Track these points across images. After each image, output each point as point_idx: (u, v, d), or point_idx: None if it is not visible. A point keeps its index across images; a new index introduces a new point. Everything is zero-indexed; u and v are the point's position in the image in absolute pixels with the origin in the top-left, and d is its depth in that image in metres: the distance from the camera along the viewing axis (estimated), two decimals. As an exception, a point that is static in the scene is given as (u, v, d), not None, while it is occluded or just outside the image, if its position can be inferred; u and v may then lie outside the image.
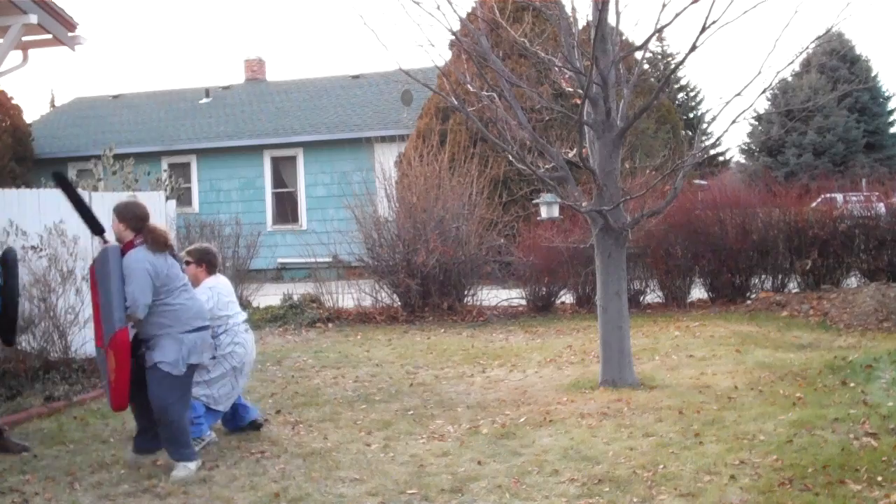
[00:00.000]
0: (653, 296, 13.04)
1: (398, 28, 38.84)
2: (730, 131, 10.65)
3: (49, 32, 9.58)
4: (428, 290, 12.58)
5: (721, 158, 37.69)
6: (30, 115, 28.82)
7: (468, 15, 8.02)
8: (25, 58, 10.05)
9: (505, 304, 13.12)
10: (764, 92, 7.31)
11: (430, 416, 6.94)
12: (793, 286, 12.83)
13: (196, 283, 6.32)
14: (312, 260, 13.87)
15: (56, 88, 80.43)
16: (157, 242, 5.65)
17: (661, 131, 18.57)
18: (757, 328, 10.33)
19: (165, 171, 20.27)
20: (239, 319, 6.55)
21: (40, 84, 72.87)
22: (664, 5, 7.06)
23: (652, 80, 18.34)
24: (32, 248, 8.40)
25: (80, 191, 6.23)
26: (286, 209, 22.07)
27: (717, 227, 12.60)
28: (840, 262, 12.60)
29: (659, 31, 7.22)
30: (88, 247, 8.84)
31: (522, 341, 10.48)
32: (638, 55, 8.45)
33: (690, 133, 26.32)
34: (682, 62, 8.18)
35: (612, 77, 7.48)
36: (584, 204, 7.63)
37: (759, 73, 7.15)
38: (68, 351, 8.54)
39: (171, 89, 27.74)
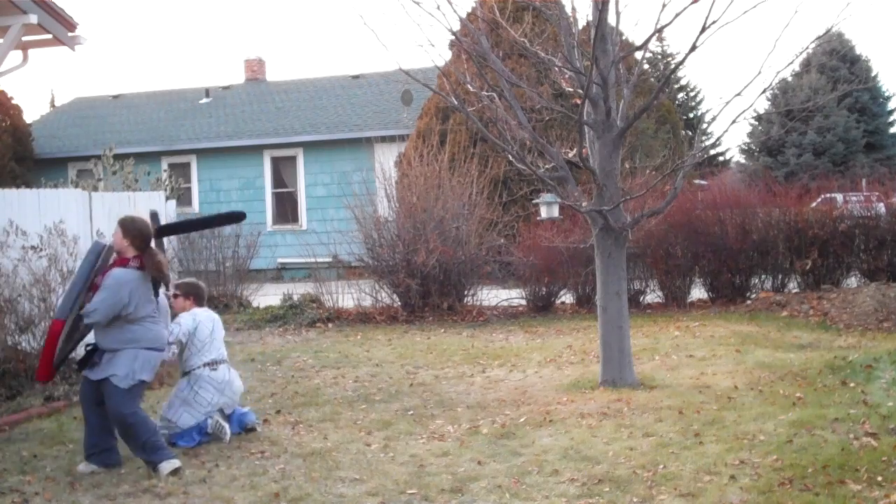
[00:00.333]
0: (653, 296, 13.04)
1: (398, 28, 38.89)
2: (730, 131, 10.66)
3: (49, 32, 9.58)
4: (428, 290, 12.58)
5: (721, 158, 37.69)
6: (30, 115, 28.86)
7: (468, 15, 8.02)
8: (25, 58, 10.05)
9: (505, 304, 13.12)
10: (764, 92, 7.31)
11: (430, 416, 6.94)
12: (793, 286, 12.83)
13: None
14: (312, 260, 13.86)
15: (56, 88, 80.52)
16: (156, 270, 5.71)
17: (661, 131, 18.57)
18: (757, 328, 10.33)
19: (165, 171, 20.27)
20: (208, 358, 6.52)
21: (40, 84, 72.93)
22: (664, 5, 7.07)
23: (652, 80, 18.33)
24: (32, 248, 8.40)
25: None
26: (286, 209, 22.07)
27: (717, 227, 12.60)
28: (840, 262, 12.60)
29: (659, 31, 7.22)
30: (89, 246, 8.84)
31: (522, 341, 10.48)
32: (638, 55, 8.45)
33: (690, 133, 26.33)
34: (682, 62, 8.18)
35: (612, 77, 7.48)
36: (584, 204, 7.63)
37: (759, 73, 7.16)
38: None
39: (171, 89, 27.74)
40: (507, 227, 14.18)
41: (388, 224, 13.00)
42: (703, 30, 6.92)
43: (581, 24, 8.81)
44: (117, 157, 16.11)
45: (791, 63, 7.69)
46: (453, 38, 7.88)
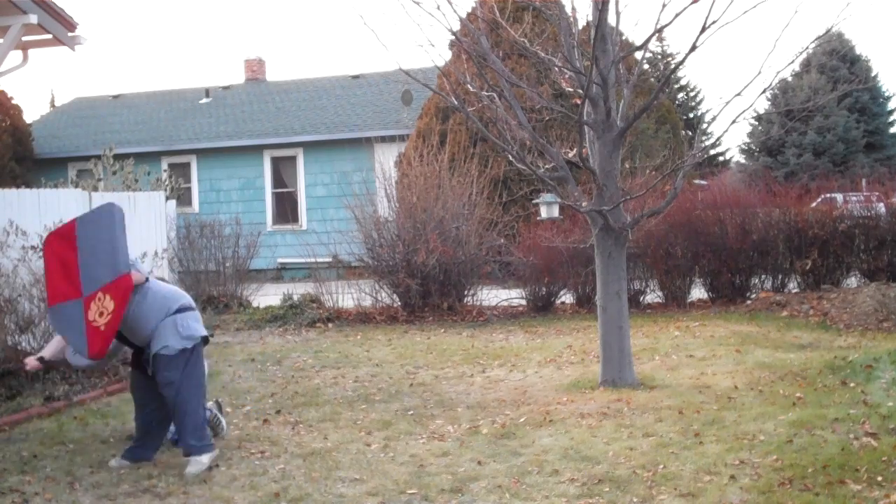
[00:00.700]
0: (653, 296, 13.04)
1: (398, 28, 38.87)
2: (730, 131, 10.66)
3: (49, 32, 9.58)
4: (428, 290, 12.58)
5: (721, 158, 37.71)
6: (30, 115, 28.87)
7: (468, 15, 8.02)
8: (25, 58, 10.05)
9: (505, 304, 13.12)
10: (764, 92, 7.30)
11: (430, 416, 6.94)
12: (793, 286, 12.83)
13: None
14: (312, 260, 13.86)
15: (56, 88, 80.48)
16: None
17: (661, 131, 18.57)
18: (757, 328, 10.33)
19: (165, 171, 20.30)
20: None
21: (40, 84, 72.93)
22: (664, 5, 7.07)
23: (652, 80, 18.31)
24: (32, 248, 8.41)
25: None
26: (286, 209, 22.06)
27: (717, 227, 12.59)
28: (840, 262, 12.60)
29: (659, 31, 7.22)
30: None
31: (522, 341, 10.48)
32: (638, 55, 8.45)
33: (690, 133, 26.34)
34: (682, 62, 8.17)
35: (612, 77, 7.48)
36: (584, 204, 7.63)
37: (759, 73, 7.15)
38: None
39: (171, 89, 27.74)
40: (507, 227, 14.18)
41: (388, 224, 13.00)
42: (703, 30, 6.92)
43: (581, 24, 8.81)
44: (117, 157, 16.14)
45: (791, 63, 7.69)
46: (453, 38, 7.88)
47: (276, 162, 22.47)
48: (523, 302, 13.07)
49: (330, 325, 12.36)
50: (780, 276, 12.78)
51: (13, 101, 23.49)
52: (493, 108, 8.01)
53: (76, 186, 13.71)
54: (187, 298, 5.96)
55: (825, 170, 29.70)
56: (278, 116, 23.57)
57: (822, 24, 20.54)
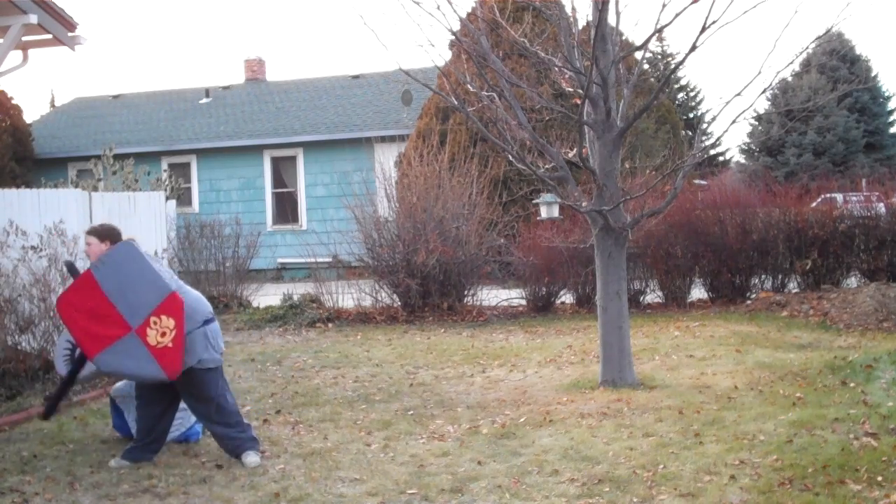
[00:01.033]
0: (653, 296, 13.04)
1: (398, 28, 38.88)
2: (730, 131, 10.66)
3: (49, 32, 9.58)
4: (428, 290, 12.58)
5: (721, 158, 37.70)
6: (30, 115, 28.84)
7: (468, 15, 8.01)
8: (25, 58, 10.06)
9: (505, 304, 13.12)
10: (764, 92, 7.31)
11: (430, 416, 6.94)
12: (793, 286, 12.83)
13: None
14: (312, 260, 13.86)
15: (56, 88, 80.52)
16: None
17: (661, 131, 18.57)
18: (757, 328, 10.33)
19: (165, 171, 20.31)
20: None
21: (40, 84, 72.92)
22: (664, 5, 7.07)
23: (652, 80, 18.33)
24: (32, 248, 8.41)
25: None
26: (286, 209, 22.06)
27: (717, 227, 12.60)
28: (840, 262, 12.60)
29: (659, 31, 7.22)
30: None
31: (522, 341, 10.48)
32: (638, 55, 8.47)
33: (690, 133, 26.33)
34: (682, 62, 8.18)
35: (612, 77, 7.48)
36: (584, 204, 7.63)
37: (759, 73, 7.16)
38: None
39: (171, 89, 27.73)
40: (507, 227, 14.18)
41: (388, 224, 13.00)
42: (703, 30, 6.92)
43: (581, 24, 8.80)
44: (117, 157, 16.14)
45: (791, 63, 7.69)
46: (453, 38, 7.88)
47: (276, 162, 22.47)
48: (523, 302, 13.07)
49: (330, 325, 12.36)
50: (780, 276, 12.78)
51: (13, 101, 23.48)
52: (493, 108, 8.01)
53: (76, 186, 13.71)
54: (209, 307, 6.00)
55: (825, 170, 29.69)
56: (278, 116, 23.56)
57: (822, 24, 20.54)
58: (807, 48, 8.01)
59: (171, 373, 5.52)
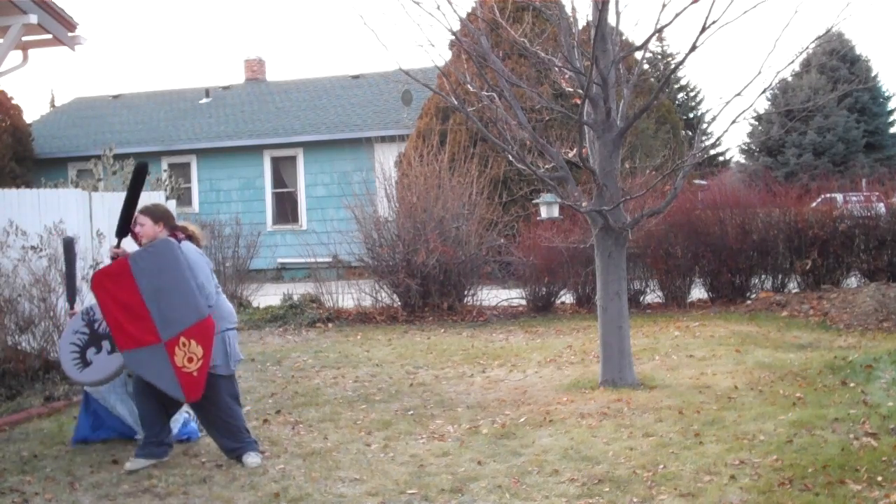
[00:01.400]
0: (653, 296, 13.04)
1: (398, 28, 38.89)
2: (730, 131, 10.66)
3: (49, 32, 9.58)
4: (428, 290, 12.58)
5: (721, 158, 37.69)
6: (30, 115, 28.87)
7: (468, 15, 8.02)
8: (25, 58, 10.06)
9: (505, 304, 13.12)
10: (764, 92, 7.31)
11: (430, 416, 6.94)
12: (793, 286, 12.83)
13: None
14: (312, 260, 13.87)
15: (56, 88, 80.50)
16: (198, 242, 5.80)
17: (661, 131, 18.57)
18: (757, 328, 10.33)
19: (165, 171, 20.30)
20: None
21: (40, 84, 72.91)
22: (664, 5, 7.07)
23: (652, 80, 18.31)
24: (32, 248, 8.40)
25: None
26: (286, 209, 22.07)
27: (717, 227, 12.59)
28: (840, 262, 12.60)
29: (659, 31, 7.22)
30: (88, 246, 8.84)
31: (522, 341, 10.48)
32: (638, 55, 8.46)
33: (690, 133, 26.32)
34: (682, 62, 8.18)
35: (612, 77, 7.48)
36: (584, 204, 7.63)
37: (759, 73, 7.16)
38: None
39: (171, 89, 27.74)
40: (507, 227, 14.18)
41: (388, 224, 13.01)
42: (703, 30, 6.92)
43: (581, 24, 8.81)
44: (117, 157, 16.11)
45: (791, 63, 7.69)
46: (453, 38, 7.88)
47: (276, 162, 22.47)
48: (523, 302, 13.07)
49: (330, 325, 12.36)
50: (780, 276, 12.78)
51: (13, 101, 23.49)
52: (493, 108, 8.01)
53: (76, 186, 13.69)
54: (235, 316, 5.97)
55: (825, 170, 29.64)
56: (278, 116, 23.57)
57: (822, 24, 20.55)
58: (807, 48, 8.01)
59: (192, 398, 5.56)
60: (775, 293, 12.39)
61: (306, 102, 24.31)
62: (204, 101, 25.81)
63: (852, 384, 7.14)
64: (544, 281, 12.79)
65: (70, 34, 9.84)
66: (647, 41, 7.59)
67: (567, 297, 13.28)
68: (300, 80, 26.58)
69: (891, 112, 36.66)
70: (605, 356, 7.69)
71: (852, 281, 12.68)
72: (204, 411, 5.83)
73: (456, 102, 7.89)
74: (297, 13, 71.26)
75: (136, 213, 5.80)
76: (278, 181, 22.42)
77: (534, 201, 15.66)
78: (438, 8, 7.30)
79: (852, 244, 12.60)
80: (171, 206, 14.44)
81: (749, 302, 12.26)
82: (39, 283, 8.30)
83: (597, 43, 7.13)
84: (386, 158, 14.39)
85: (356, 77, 25.72)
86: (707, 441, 5.77)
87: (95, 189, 13.36)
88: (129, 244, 5.91)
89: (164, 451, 5.80)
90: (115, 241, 5.95)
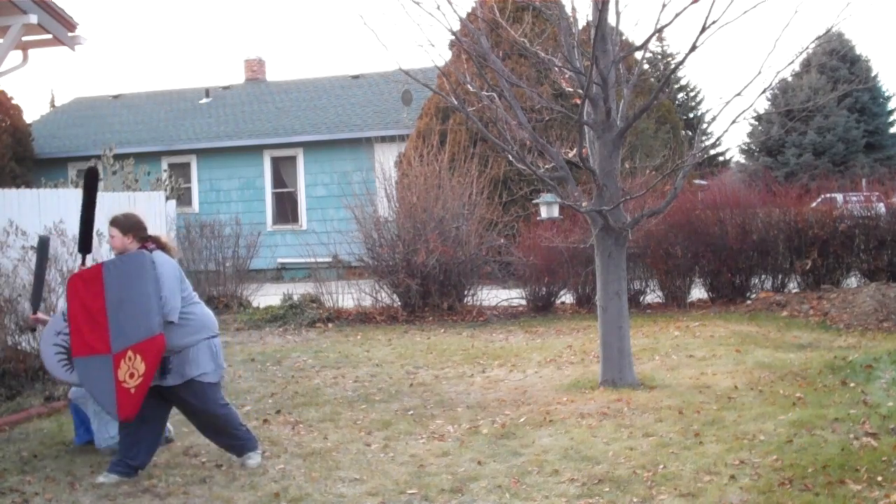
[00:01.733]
0: (653, 296, 13.04)
1: (398, 28, 38.86)
2: (730, 131, 10.65)
3: (49, 32, 9.58)
4: (428, 290, 12.58)
5: (721, 158, 37.70)
6: (30, 115, 28.86)
7: (468, 15, 8.01)
8: (25, 58, 10.06)
9: (505, 304, 13.12)
10: (764, 92, 7.31)
11: (430, 416, 6.94)
12: (793, 286, 12.83)
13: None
14: (312, 260, 13.87)
15: (56, 88, 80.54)
16: (170, 252, 5.65)
17: (661, 131, 18.57)
18: (757, 328, 10.33)
19: (165, 171, 20.31)
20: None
21: (40, 84, 72.93)
22: (664, 5, 7.07)
23: (652, 80, 18.33)
24: (32, 248, 8.39)
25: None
26: (286, 209, 22.07)
27: (717, 227, 12.59)
28: (840, 262, 12.60)
29: (659, 31, 7.22)
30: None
31: (522, 341, 10.48)
32: (638, 55, 8.46)
33: (690, 133, 26.33)
34: (682, 62, 8.18)
35: (612, 77, 7.48)
36: (584, 204, 7.63)
37: (759, 73, 7.16)
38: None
39: (171, 89, 27.73)
40: (507, 227, 14.18)
41: (388, 224, 13.01)
42: (703, 30, 6.92)
43: (581, 24, 8.81)
44: (117, 157, 16.13)
45: (791, 63, 7.69)
46: (453, 38, 7.88)
47: (276, 162, 22.47)
48: (523, 302, 13.07)
49: (330, 325, 12.36)
50: (780, 276, 12.78)
51: (13, 101, 23.49)
52: (493, 108, 8.01)
53: (76, 186, 13.70)
54: (216, 324, 5.84)
55: (825, 170, 29.68)
56: (278, 116, 23.57)
57: (822, 24, 20.55)
58: (807, 48, 8.01)
59: (123, 416, 5.36)
60: (775, 293, 12.39)
61: (306, 102, 24.31)
62: (204, 101, 25.81)
63: (852, 384, 7.14)
64: (544, 281, 12.78)
65: (70, 34, 9.84)
66: (647, 41, 7.59)
67: (567, 297, 13.28)
68: (300, 80, 26.58)
69: (891, 112, 36.67)
70: (605, 356, 7.69)
71: (852, 281, 12.68)
72: (198, 420, 5.78)
73: (456, 102, 7.89)
74: (297, 13, 71.30)
75: (108, 226, 5.68)
76: (278, 181, 22.42)
77: (534, 201, 15.66)
78: (438, 8, 7.31)
79: (852, 244, 12.60)
80: (171, 206, 14.48)
81: (749, 302, 12.25)
82: (39, 284, 8.28)
83: (597, 43, 7.13)
84: (386, 158, 14.39)
85: (356, 77, 25.72)
86: (707, 441, 5.77)
87: (95, 189, 13.33)
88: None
89: (132, 473, 5.53)
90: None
